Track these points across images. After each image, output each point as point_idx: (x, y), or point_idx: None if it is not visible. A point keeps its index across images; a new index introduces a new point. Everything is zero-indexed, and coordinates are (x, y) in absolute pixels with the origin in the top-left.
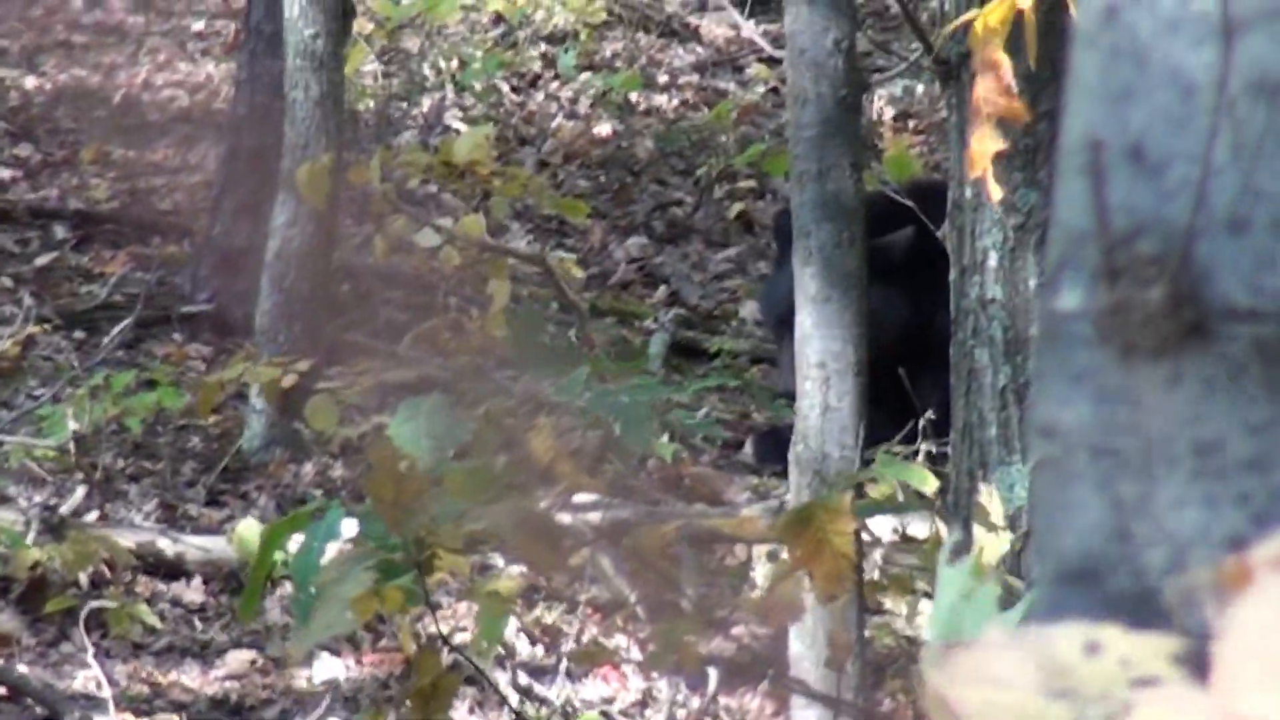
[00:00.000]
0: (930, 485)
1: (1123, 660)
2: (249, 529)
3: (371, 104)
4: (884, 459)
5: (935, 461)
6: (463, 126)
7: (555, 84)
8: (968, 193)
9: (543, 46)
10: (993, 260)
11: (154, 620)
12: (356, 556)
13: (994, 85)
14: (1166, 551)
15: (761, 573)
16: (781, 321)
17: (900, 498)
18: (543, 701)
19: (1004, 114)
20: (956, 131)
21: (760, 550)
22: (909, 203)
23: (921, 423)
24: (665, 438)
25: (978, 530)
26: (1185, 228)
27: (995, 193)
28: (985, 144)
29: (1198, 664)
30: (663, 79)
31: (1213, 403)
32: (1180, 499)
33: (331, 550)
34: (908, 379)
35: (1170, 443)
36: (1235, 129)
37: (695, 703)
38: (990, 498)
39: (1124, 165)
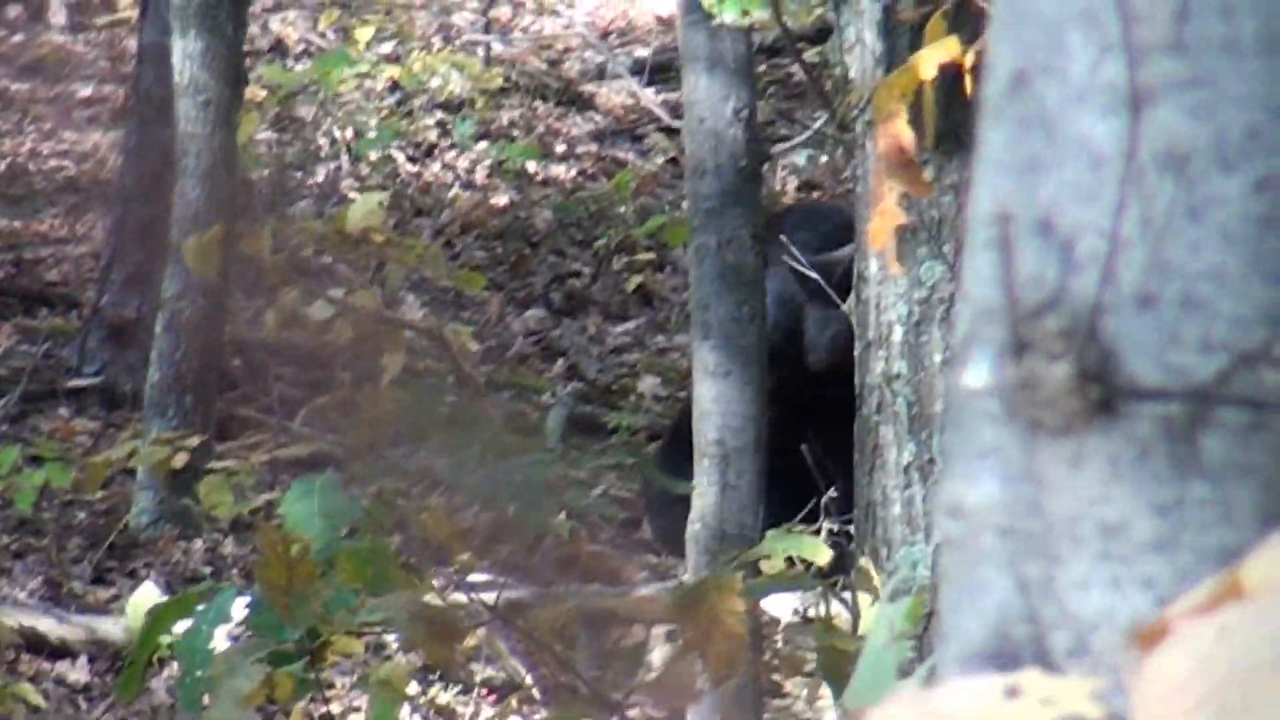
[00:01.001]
0: (823, 557)
1: (1044, 700)
2: (146, 597)
3: (265, 173)
4: (775, 534)
5: (838, 538)
6: (358, 196)
7: (451, 153)
8: (873, 265)
9: (439, 115)
10: (898, 335)
11: (38, 700)
12: (247, 648)
13: (896, 157)
14: (1072, 634)
15: (659, 654)
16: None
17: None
18: None
19: (907, 186)
20: (862, 203)
21: (658, 631)
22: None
23: (824, 500)
24: (562, 516)
25: (862, 599)
26: (1093, 303)
27: (896, 266)
28: (888, 217)
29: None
30: (561, 148)
31: (1119, 483)
32: (1085, 580)
33: (221, 632)
34: (810, 455)
35: (1076, 523)
36: (1144, 202)
37: None
38: (869, 566)
39: (1032, 238)
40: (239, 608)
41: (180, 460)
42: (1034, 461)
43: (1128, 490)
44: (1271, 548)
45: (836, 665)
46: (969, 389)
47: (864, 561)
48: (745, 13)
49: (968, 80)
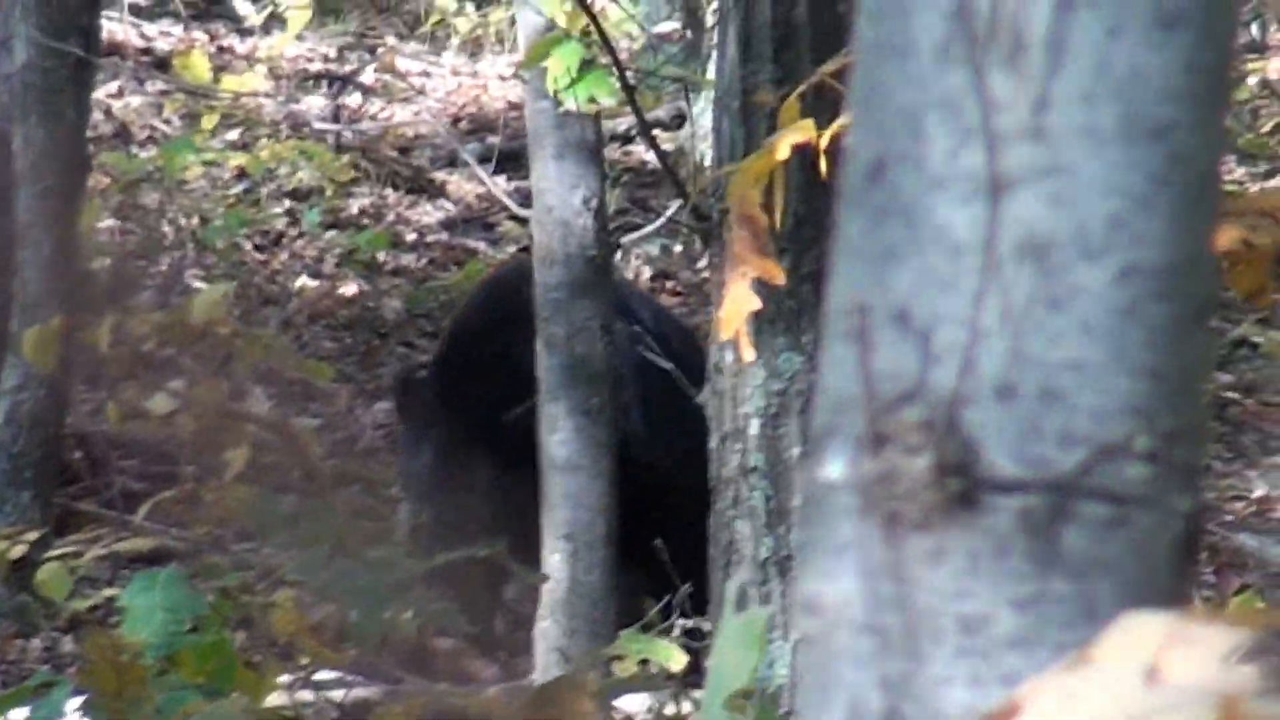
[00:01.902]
0: (678, 662)
1: None
2: None
3: (107, 263)
4: (629, 635)
5: (693, 636)
6: (204, 286)
7: (300, 242)
8: (728, 356)
9: (287, 203)
10: (754, 427)
11: None
12: None
13: (751, 242)
14: None
15: None
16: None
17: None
18: None
19: (761, 272)
20: (717, 291)
21: None
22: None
23: (678, 596)
24: (410, 613)
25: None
26: (952, 394)
27: (749, 354)
28: (740, 303)
29: None
30: (411, 237)
31: (979, 577)
32: (946, 677)
33: None
34: (664, 551)
35: (936, 619)
36: (1004, 292)
37: None
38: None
39: (890, 329)
40: (73, 706)
41: (18, 553)
42: (893, 556)
43: (987, 585)
44: (1121, 626)
45: None
46: (826, 482)
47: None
48: (592, 100)
49: (823, 164)
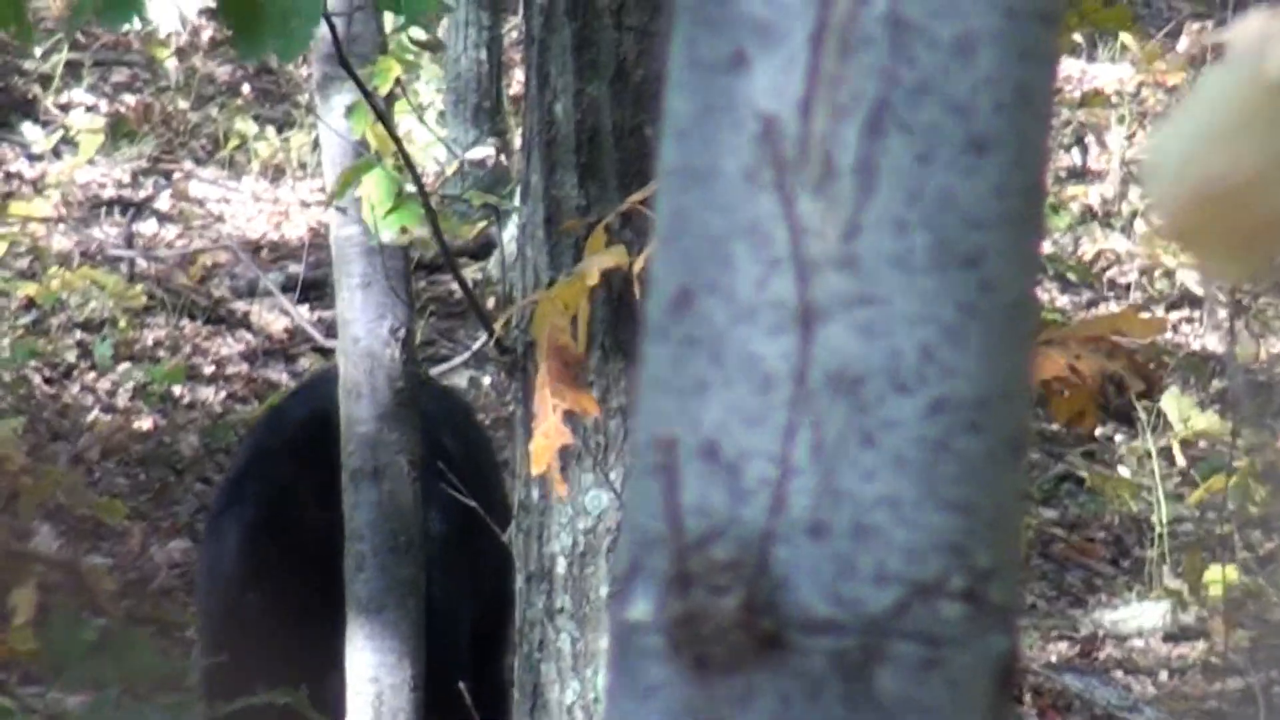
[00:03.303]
0: None
1: None
2: None
3: None
4: None
5: None
6: None
7: (91, 374)
8: (534, 494)
9: (78, 334)
10: (561, 567)
11: None
12: None
13: (561, 373)
14: None
15: None
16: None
17: None
18: None
19: (573, 404)
20: (523, 426)
21: None
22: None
23: None
24: None
25: None
26: (762, 532)
27: (561, 489)
28: (552, 437)
29: None
30: (209, 369)
31: None
32: None
33: None
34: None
35: None
36: (815, 425)
37: None
38: None
39: (697, 464)
40: None
41: None
42: (701, 699)
43: None
44: None
45: None
46: (632, 623)
47: None
48: (404, 230)
49: (636, 290)
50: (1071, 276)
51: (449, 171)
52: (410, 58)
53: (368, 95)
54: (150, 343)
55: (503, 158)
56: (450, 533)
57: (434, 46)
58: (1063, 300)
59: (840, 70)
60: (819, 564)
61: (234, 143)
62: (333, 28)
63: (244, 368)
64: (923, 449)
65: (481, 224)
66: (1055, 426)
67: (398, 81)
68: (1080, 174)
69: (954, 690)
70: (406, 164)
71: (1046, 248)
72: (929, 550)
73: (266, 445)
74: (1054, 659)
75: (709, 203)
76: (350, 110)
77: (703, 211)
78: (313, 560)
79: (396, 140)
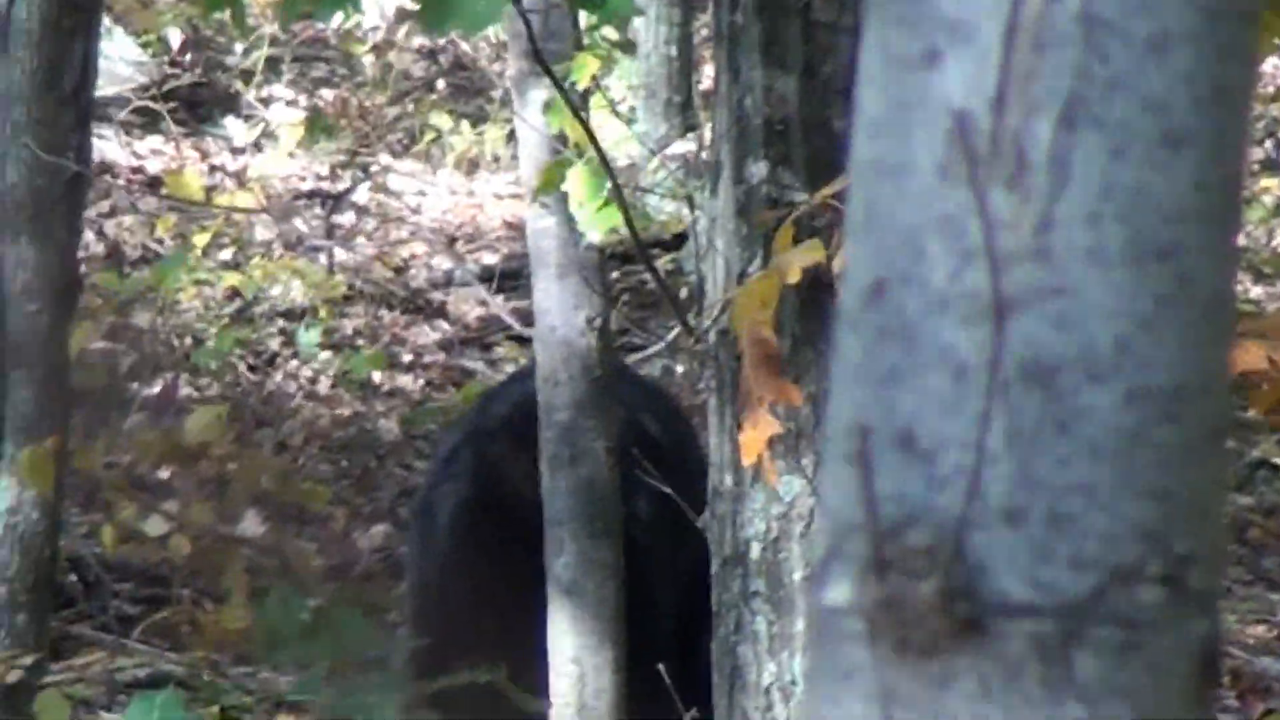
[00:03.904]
0: None
1: None
2: None
3: (99, 384)
4: None
5: None
6: (197, 407)
7: (294, 363)
8: (728, 480)
9: (281, 323)
10: (755, 552)
11: None
12: None
13: (763, 366)
14: None
15: None
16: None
17: None
18: None
19: (777, 395)
20: (716, 414)
21: None
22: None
23: None
24: None
25: None
26: (958, 518)
27: (772, 479)
28: (761, 428)
29: None
30: (407, 358)
31: (989, 704)
32: None
33: None
34: (668, 674)
35: None
36: (1010, 414)
37: None
38: None
39: (893, 452)
40: None
41: (13, 678)
42: (900, 682)
43: (999, 711)
44: None
45: None
46: (831, 608)
47: None
48: (613, 229)
49: (834, 283)
50: (1266, 269)
51: (649, 166)
52: (604, 54)
53: (563, 91)
54: (350, 331)
55: (702, 155)
56: (650, 518)
57: (625, 47)
58: (1256, 291)
59: (1033, 66)
60: (1016, 550)
61: (429, 137)
62: (528, 25)
63: (441, 356)
64: (1119, 438)
65: (676, 217)
66: (1250, 413)
67: (593, 77)
68: (1274, 166)
69: (1154, 674)
70: (601, 159)
71: (1240, 241)
72: (1126, 536)
73: (477, 427)
74: (1251, 643)
75: (902, 196)
76: (548, 106)
77: (896, 205)
78: (520, 540)
79: (591, 136)
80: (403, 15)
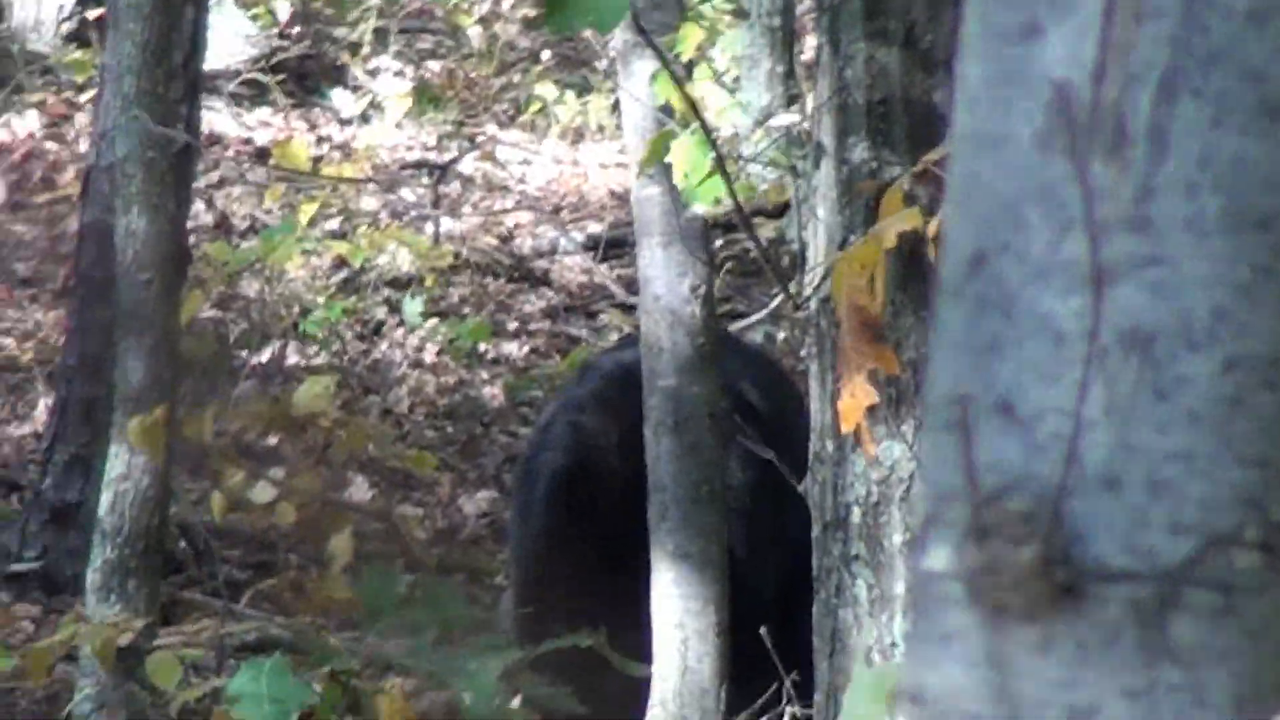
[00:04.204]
0: None
1: None
2: None
3: (209, 353)
4: None
5: None
6: (305, 375)
7: (400, 331)
8: (829, 445)
9: (387, 292)
10: (856, 516)
11: None
12: None
13: (862, 333)
14: None
15: None
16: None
17: None
18: None
19: (876, 361)
20: (817, 380)
21: None
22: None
23: (786, 685)
24: (516, 701)
25: None
26: (1057, 485)
27: (870, 448)
28: (860, 396)
29: None
30: (512, 325)
31: (1087, 667)
32: None
33: None
34: (770, 638)
35: (1043, 709)
36: (1108, 382)
37: None
38: None
39: (992, 420)
40: None
41: (124, 642)
42: (999, 646)
43: (1097, 675)
44: None
45: None
46: (931, 572)
47: None
48: (718, 200)
49: (931, 252)
50: None
51: (753, 136)
52: (707, 24)
53: (667, 63)
54: (456, 300)
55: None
56: (753, 483)
57: (741, 13)
58: None
59: (1132, 38)
60: (1113, 516)
61: (535, 107)
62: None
63: (546, 323)
64: (1217, 405)
65: (778, 186)
66: None
67: (698, 48)
68: None
69: (1250, 638)
70: (704, 130)
71: None
72: (1224, 502)
73: (574, 397)
74: None
75: (1001, 167)
76: (654, 77)
77: (995, 175)
78: (615, 508)
79: (694, 107)
80: None
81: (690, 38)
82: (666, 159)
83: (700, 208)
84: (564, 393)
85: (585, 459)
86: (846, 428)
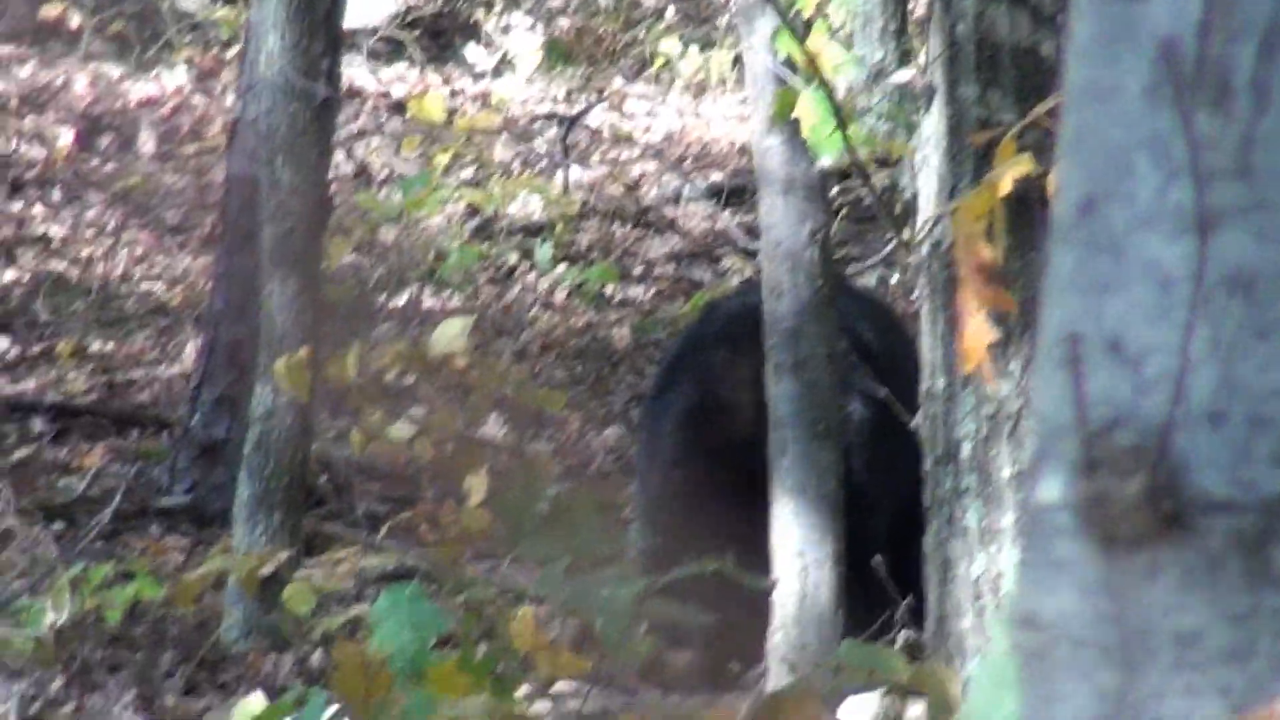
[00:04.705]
0: (901, 671)
1: None
2: (253, 705)
3: (349, 297)
4: (851, 646)
5: (913, 649)
6: (440, 319)
7: (532, 275)
8: (940, 383)
9: (518, 238)
10: (966, 450)
11: None
12: None
13: (979, 276)
14: None
15: None
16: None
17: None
18: None
19: (993, 303)
20: (929, 321)
21: None
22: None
23: (900, 612)
24: (645, 627)
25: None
26: (1163, 420)
27: (992, 383)
28: (980, 335)
29: None
30: (638, 270)
31: (1192, 593)
32: (1161, 689)
33: None
34: (884, 567)
35: (1150, 633)
36: (1213, 322)
37: None
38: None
39: (1102, 358)
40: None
41: (269, 571)
42: (1108, 573)
43: (1201, 601)
44: None
45: None
46: (1043, 504)
47: (938, 670)
48: (842, 152)
49: (1047, 198)
50: None
51: (867, 92)
52: None
53: (787, 21)
54: (584, 245)
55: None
56: (868, 420)
57: None
58: None
59: None
60: (1217, 450)
61: (660, 62)
62: None
63: (670, 268)
64: None
65: (891, 137)
66: None
67: (816, 5)
68: None
69: None
70: (822, 84)
71: None
72: None
73: (700, 336)
74: None
75: (1111, 117)
76: (775, 33)
77: (1105, 125)
78: (740, 443)
79: (814, 64)
80: None
81: None
82: (793, 115)
83: (827, 160)
84: (688, 332)
85: (711, 396)
86: (969, 365)
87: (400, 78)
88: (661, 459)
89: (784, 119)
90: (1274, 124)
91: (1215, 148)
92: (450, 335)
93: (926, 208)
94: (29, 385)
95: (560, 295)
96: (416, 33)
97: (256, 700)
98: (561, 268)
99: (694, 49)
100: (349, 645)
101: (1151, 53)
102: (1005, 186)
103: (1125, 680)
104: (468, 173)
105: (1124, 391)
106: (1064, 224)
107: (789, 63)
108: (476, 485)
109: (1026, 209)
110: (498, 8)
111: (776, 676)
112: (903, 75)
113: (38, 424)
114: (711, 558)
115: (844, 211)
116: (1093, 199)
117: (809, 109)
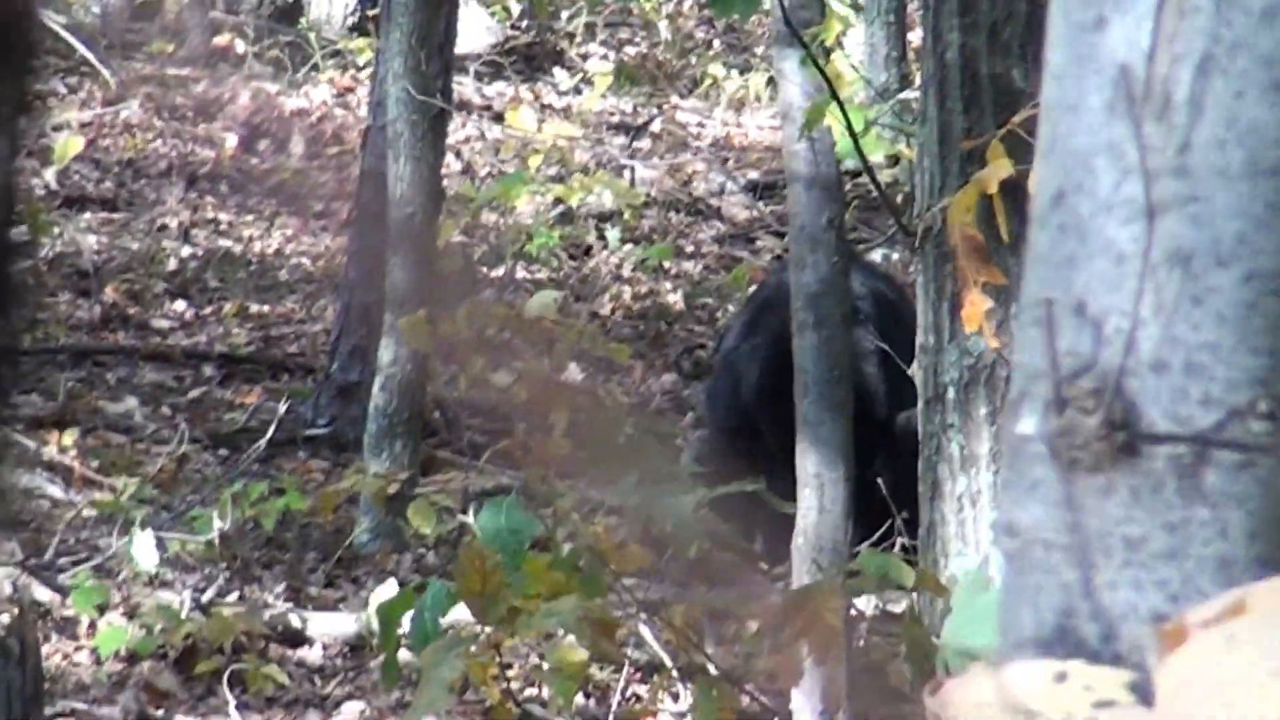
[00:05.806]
0: (907, 577)
1: (1085, 686)
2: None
3: (458, 268)
4: (868, 553)
5: (907, 552)
6: (532, 288)
7: (604, 253)
8: (930, 339)
9: (594, 223)
10: (951, 394)
11: (283, 678)
12: (449, 643)
13: (971, 255)
14: (1104, 625)
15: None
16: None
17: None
18: None
19: (987, 277)
20: (923, 290)
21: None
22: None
23: (897, 522)
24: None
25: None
26: (1118, 368)
27: (995, 341)
28: (978, 304)
29: (1144, 698)
30: (690, 248)
31: (1139, 507)
32: (1114, 583)
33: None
34: (885, 487)
35: (1105, 539)
36: (1157, 290)
37: None
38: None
39: (1070, 318)
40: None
41: (393, 490)
42: (1072, 492)
43: (1146, 513)
44: (1273, 582)
45: (919, 651)
46: (1021, 436)
47: (927, 569)
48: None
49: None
50: None
51: (874, 107)
52: (842, 21)
53: (809, 52)
54: (647, 229)
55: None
56: (874, 367)
57: (856, 9)
58: None
59: (1177, 29)
60: (1160, 392)
61: (708, 82)
62: (782, 4)
63: (715, 248)
64: (1237, 308)
65: (894, 143)
66: None
67: (836, 36)
68: None
69: (1263, 485)
70: (836, 101)
71: None
72: (1242, 383)
73: (771, 299)
74: None
75: (1078, 128)
76: (802, 60)
77: (1073, 133)
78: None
79: (832, 85)
80: None
81: (831, 29)
82: (823, 125)
83: (849, 163)
84: (759, 295)
85: (784, 346)
86: (971, 329)
87: (500, 94)
88: (744, 394)
89: (811, 129)
90: (1207, 133)
91: (1160, 152)
92: (543, 303)
93: (921, 199)
94: (201, 338)
95: (627, 269)
96: (513, 58)
97: (389, 588)
98: (628, 247)
99: (735, 72)
100: (473, 549)
101: (1111, 75)
102: (993, 185)
103: (1085, 575)
104: (553, 170)
105: (1087, 345)
106: (1040, 212)
107: (815, 82)
108: (560, 419)
109: (1012, 200)
110: (579, 38)
111: (800, 574)
112: (902, 96)
113: (208, 370)
114: (753, 478)
115: (855, 202)
116: (1063, 192)
117: (835, 121)
